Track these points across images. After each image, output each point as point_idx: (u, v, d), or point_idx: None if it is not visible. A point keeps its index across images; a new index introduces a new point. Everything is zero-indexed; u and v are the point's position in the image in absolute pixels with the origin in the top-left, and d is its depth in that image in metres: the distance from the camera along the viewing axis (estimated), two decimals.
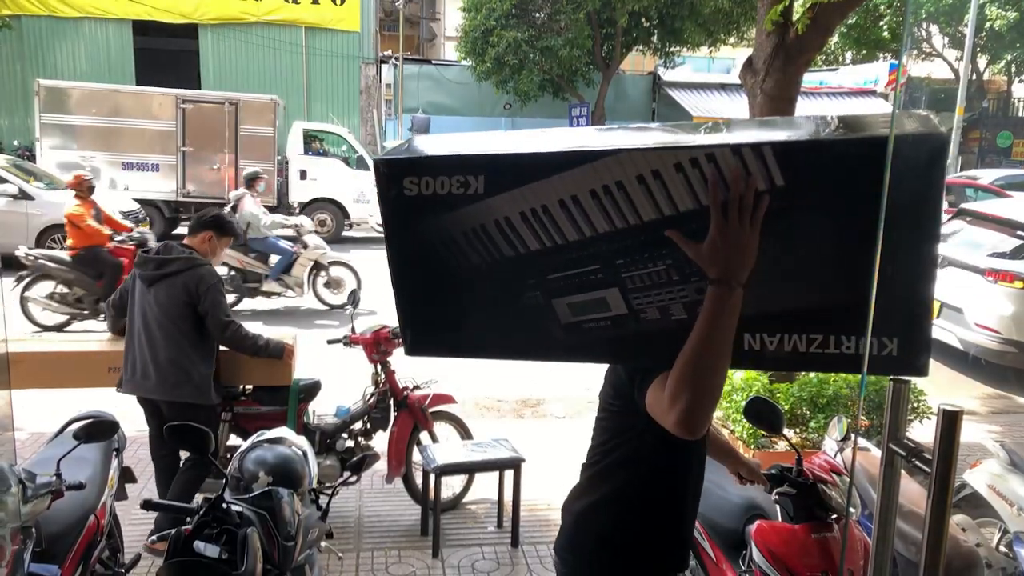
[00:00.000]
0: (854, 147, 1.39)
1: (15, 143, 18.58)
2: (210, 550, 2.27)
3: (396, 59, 23.10)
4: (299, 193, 15.09)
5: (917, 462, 1.28)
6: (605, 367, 1.93)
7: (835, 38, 18.07)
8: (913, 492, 2.82)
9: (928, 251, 1.40)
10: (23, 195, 11.29)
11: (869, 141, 1.38)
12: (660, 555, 1.91)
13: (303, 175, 15.11)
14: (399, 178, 1.56)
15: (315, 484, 2.72)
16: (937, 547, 1.24)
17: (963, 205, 9.12)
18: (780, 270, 1.46)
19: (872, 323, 1.38)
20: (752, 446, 5.01)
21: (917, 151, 1.34)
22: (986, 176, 15.66)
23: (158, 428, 3.82)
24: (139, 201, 13.26)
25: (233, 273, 8.98)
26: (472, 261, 1.59)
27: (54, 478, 2.58)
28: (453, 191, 1.54)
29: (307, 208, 15.05)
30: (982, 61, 29.80)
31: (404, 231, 1.61)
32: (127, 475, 3.61)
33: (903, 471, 1.42)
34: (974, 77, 27.72)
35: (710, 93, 22.97)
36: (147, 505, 2.46)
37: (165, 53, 21.60)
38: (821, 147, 1.42)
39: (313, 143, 15.77)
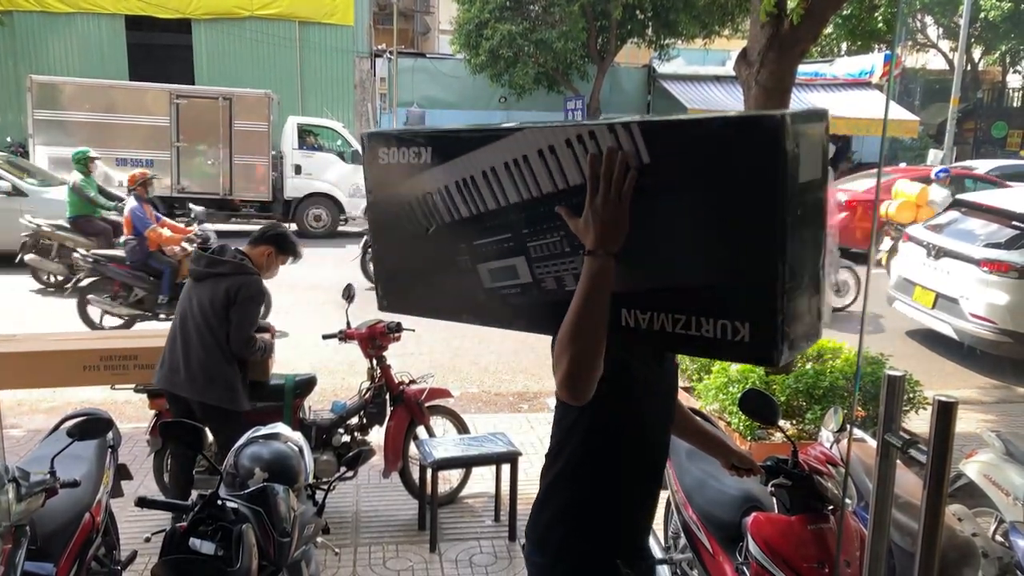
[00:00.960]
0: (705, 127, 1.40)
1: (8, 139, 18.46)
2: (205, 547, 2.26)
3: (390, 53, 23.00)
4: (294, 188, 15.04)
5: (913, 453, 1.28)
6: None
7: (830, 29, 18.05)
8: (909, 482, 2.82)
9: (769, 237, 1.37)
10: (16, 192, 11.23)
11: (721, 121, 1.39)
12: (602, 544, 1.88)
13: (298, 170, 15.05)
14: (376, 148, 1.83)
15: (311, 480, 2.71)
16: (933, 537, 1.24)
17: (959, 196, 9.13)
18: (649, 248, 1.50)
19: (725, 307, 1.42)
20: (748, 438, 5.02)
21: (749, 135, 1.36)
22: (982, 166, 15.67)
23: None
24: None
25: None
26: (422, 224, 1.80)
27: (48, 476, 2.57)
28: (411, 160, 1.77)
29: (302, 203, 15.01)
30: (977, 51, 29.80)
31: (379, 195, 1.89)
32: (122, 472, 3.60)
33: (899, 462, 1.42)
34: (969, 68, 27.74)
35: (705, 85, 22.91)
36: (142, 502, 2.45)
37: (158, 48, 21.50)
38: (678, 125, 1.44)
39: (308, 138, 15.70)
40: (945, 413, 1.20)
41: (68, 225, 9.76)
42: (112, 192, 10.51)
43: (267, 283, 3.95)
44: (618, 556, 1.87)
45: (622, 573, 1.86)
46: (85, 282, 8.18)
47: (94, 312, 7.98)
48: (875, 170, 16.31)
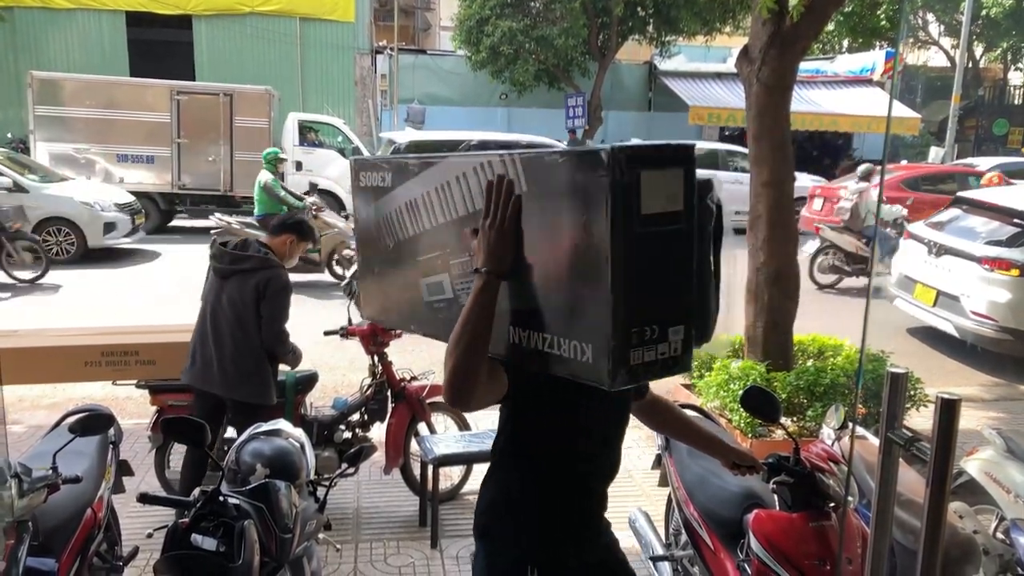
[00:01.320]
0: (561, 159, 1.50)
1: (9, 135, 18.46)
2: (207, 543, 2.26)
3: (391, 49, 22.96)
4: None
5: (915, 451, 1.28)
6: None
7: (831, 26, 18.02)
8: (910, 480, 2.82)
9: (599, 264, 1.41)
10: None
11: (567, 154, 1.50)
12: (516, 542, 1.97)
13: (299, 166, 15.03)
14: (358, 171, 2.09)
15: (312, 476, 2.71)
16: (936, 535, 1.24)
17: (960, 193, 9.11)
18: (526, 270, 1.61)
19: (575, 328, 1.50)
20: (749, 435, 5.02)
21: (586, 165, 1.43)
22: (983, 164, 15.66)
23: (210, 422, 3.88)
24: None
25: None
26: (387, 242, 2.01)
27: (50, 472, 2.57)
28: (379, 184, 2.00)
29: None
30: (978, 49, 29.75)
31: (360, 214, 2.14)
32: (124, 468, 3.61)
33: (900, 459, 1.42)
34: (970, 65, 27.68)
35: (706, 82, 22.89)
36: (144, 498, 2.45)
37: (159, 44, 21.47)
38: (541, 158, 1.55)
39: (308, 134, 15.69)
40: (948, 410, 1.20)
41: (256, 223, 9.98)
42: (295, 192, 10.84)
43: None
44: (532, 561, 1.92)
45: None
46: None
47: None
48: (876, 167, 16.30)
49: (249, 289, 3.72)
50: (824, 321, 7.42)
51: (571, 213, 1.46)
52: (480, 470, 4.62)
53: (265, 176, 10.00)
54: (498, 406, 1.94)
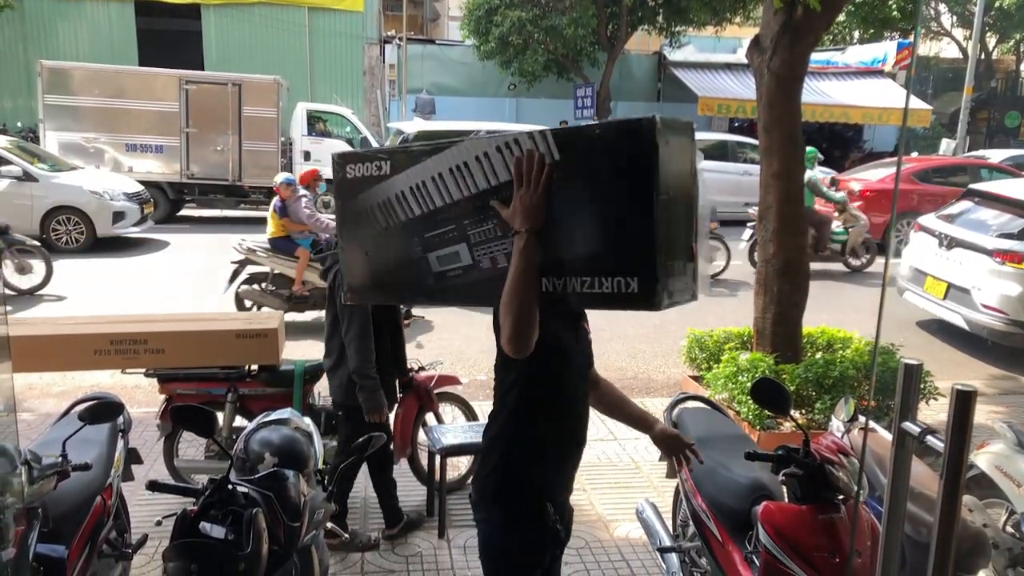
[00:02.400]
0: (604, 130, 1.85)
1: (19, 124, 18.53)
2: (216, 531, 2.26)
3: (400, 39, 22.92)
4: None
5: (930, 442, 1.27)
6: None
7: (842, 16, 17.90)
8: (919, 473, 2.81)
9: (644, 210, 1.77)
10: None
11: (614, 126, 1.83)
12: (531, 492, 2.20)
13: (307, 156, 15.05)
14: (344, 165, 2.24)
15: (321, 465, 2.71)
16: (949, 528, 1.23)
17: (972, 185, 9.04)
18: (562, 227, 1.89)
19: (618, 267, 1.82)
20: (758, 427, 5.01)
21: (628, 133, 1.78)
22: (995, 156, 15.54)
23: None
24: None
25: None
26: (383, 225, 2.18)
27: (60, 459, 2.58)
28: (372, 173, 2.18)
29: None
30: (991, 40, 29.49)
31: (346, 204, 2.26)
32: (133, 456, 3.61)
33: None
34: (983, 56, 27.46)
35: (716, 73, 22.77)
36: (153, 486, 2.45)
37: (168, 34, 21.49)
38: (584, 130, 1.87)
39: (317, 124, 15.69)
40: (963, 402, 1.19)
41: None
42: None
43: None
44: (548, 500, 2.20)
45: (550, 515, 2.18)
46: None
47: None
48: (886, 159, 16.20)
49: (334, 289, 3.81)
50: (827, 315, 7.38)
51: (613, 173, 1.79)
52: None
53: (808, 174, 10.01)
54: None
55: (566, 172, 1.86)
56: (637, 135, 1.76)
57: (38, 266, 9.02)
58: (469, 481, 4.59)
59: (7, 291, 8.69)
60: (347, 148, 15.35)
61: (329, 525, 2.83)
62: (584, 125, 1.90)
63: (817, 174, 10.77)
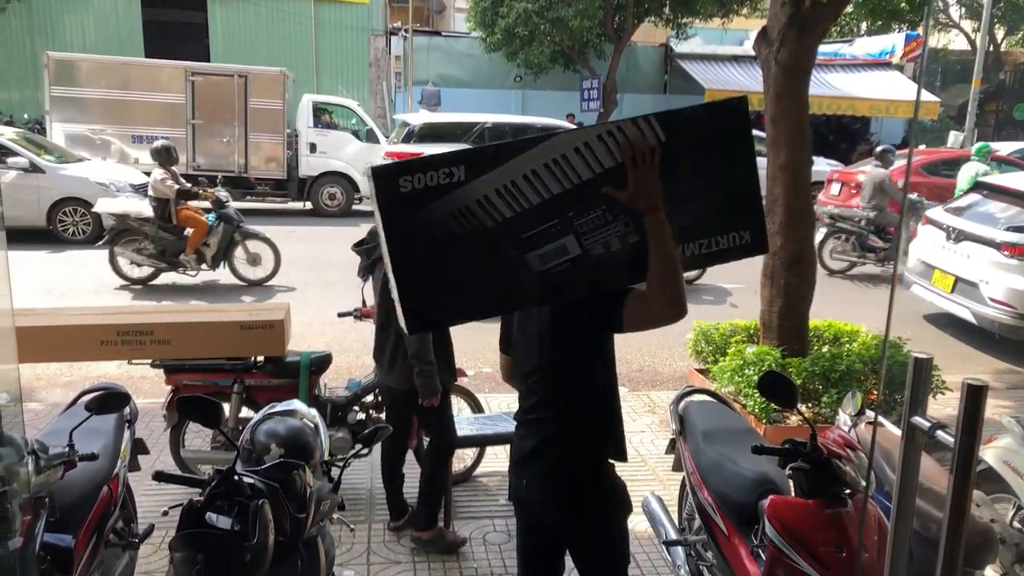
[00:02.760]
0: (702, 110, 2.17)
1: (25, 116, 18.54)
2: (222, 522, 2.26)
3: (406, 31, 22.86)
4: (308, 166, 15.01)
5: (939, 436, 1.26)
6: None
7: (850, 8, 17.76)
8: (926, 468, 2.79)
9: (749, 172, 2.20)
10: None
11: (708, 106, 2.18)
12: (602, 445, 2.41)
13: (313, 148, 15.02)
14: (395, 179, 1.93)
15: (327, 456, 2.71)
16: (959, 523, 1.22)
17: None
18: (674, 198, 2.07)
19: (732, 223, 2.18)
20: (764, 421, 5.00)
21: (725, 110, 2.18)
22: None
23: (394, 417, 4.05)
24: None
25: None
26: (460, 236, 1.98)
27: (67, 449, 2.58)
28: (440, 181, 1.94)
29: (317, 181, 14.98)
30: (1000, 32, 29.29)
31: (402, 223, 1.95)
32: (139, 447, 3.62)
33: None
34: (991, 48, 27.27)
35: (723, 65, 22.67)
36: (159, 476, 2.46)
37: (174, 25, 21.47)
38: (683, 112, 2.15)
39: (323, 116, 15.65)
40: (974, 397, 1.18)
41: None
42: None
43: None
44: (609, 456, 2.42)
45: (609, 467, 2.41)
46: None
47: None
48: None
49: (382, 280, 3.81)
50: (833, 307, 7.37)
51: (719, 146, 2.14)
52: (493, 453, 4.64)
53: (978, 167, 10.32)
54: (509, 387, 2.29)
55: (672, 151, 2.06)
56: (736, 111, 2.16)
57: (266, 255, 9.24)
58: (474, 474, 4.61)
59: (238, 281, 9.22)
60: (354, 140, 15.33)
61: (336, 516, 2.83)
62: (677, 109, 2.14)
63: (982, 168, 10.46)
